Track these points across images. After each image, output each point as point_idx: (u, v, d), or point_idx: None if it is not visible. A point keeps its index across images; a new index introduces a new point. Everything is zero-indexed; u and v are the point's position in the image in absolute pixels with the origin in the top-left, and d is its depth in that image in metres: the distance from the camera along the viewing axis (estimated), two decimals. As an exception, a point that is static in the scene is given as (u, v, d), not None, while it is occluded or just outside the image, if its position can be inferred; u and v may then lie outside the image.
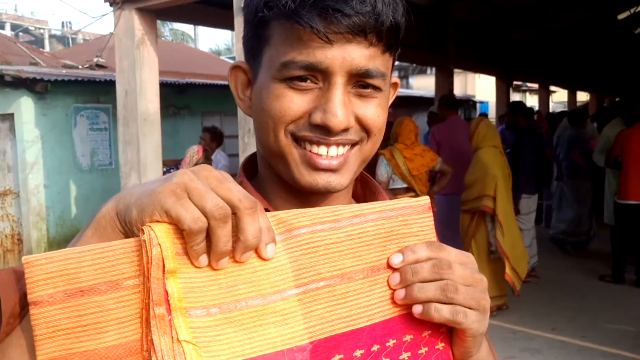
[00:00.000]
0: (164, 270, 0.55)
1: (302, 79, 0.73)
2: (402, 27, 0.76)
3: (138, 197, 0.57)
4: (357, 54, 0.72)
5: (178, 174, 0.58)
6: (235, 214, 0.57)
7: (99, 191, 8.51)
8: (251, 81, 0.81)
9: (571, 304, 5.86)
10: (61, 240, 8.20)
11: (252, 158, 0.90)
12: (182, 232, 0.55)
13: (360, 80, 0.74)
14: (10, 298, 0.57)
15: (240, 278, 0.59)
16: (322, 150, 0.75)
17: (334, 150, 0.75)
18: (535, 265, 6.61)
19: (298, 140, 0.76)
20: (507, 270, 5.25)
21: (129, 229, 0.58)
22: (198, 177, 0.57)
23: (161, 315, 0.54)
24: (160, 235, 0.55)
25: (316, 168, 0.75)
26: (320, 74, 0.72)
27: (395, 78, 0.86)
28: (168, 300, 0.55)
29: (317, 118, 0.73)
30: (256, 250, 0.59)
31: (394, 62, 0.81)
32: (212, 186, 0.57)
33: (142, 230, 0.55)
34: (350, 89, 0.75)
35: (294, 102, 0.73)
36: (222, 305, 0.57)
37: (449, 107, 6.62)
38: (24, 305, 0.57)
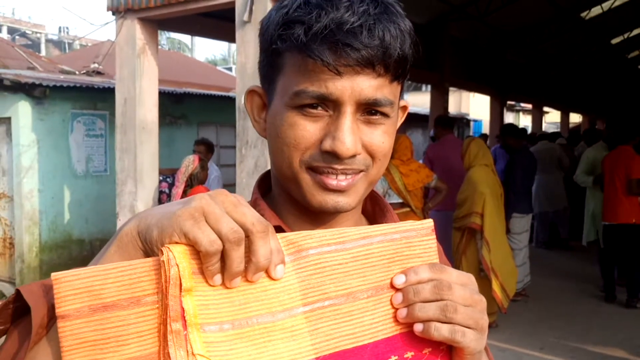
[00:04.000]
0: (180, 289, 0.59)
1: (313, 106, 0.77)
2: (409, 58, 0.79)
3: (159, 219, 0.61)
4: (366, 85, 0.75)
5: (197, 198, 0.62)
6: (248, 237, 0.61)
7: (93, 197, 8.50)
8: (266, 105, 0.85)
9: (560, 323, 5.90)
10: (53, 245, 8.18)
11: (266, 176, 0.95)
12: (198, 253, 0.60)
13: (368, 108, 0.78)
14: (40, 310, 0.61)
15: (251, 296, 0.63)
16: (331, 178, 0.79)
17: (341, 178, 0.79)
18: (527, 284, 6.65)
19: (310, 168, 0.80)
20: (495, 287, 5.27)
21: (149, 248, 0.62)
22: (215, 201, 0.61)
23: (177, 331, 0.58)
24: (177, 256, 0.59)
25: (326, 188, 0.79)
26: (330, 103, 0.76)
27: (404, 102, 0.90)
28: (184, 317, 0.59)
29: (327, 145, 0.77)
30: (266, 271, 0.63)
31: (402, 89, 0.85)
32: (228, 210, 0.61)
33: (162, 250, 0.59)
34: (359, 116, 0.78)
35: (306, 130, 0.78)
36: (234, 321, 0.61)
37: (444, 127, 6.73)
38: (51, 316, 0.61)
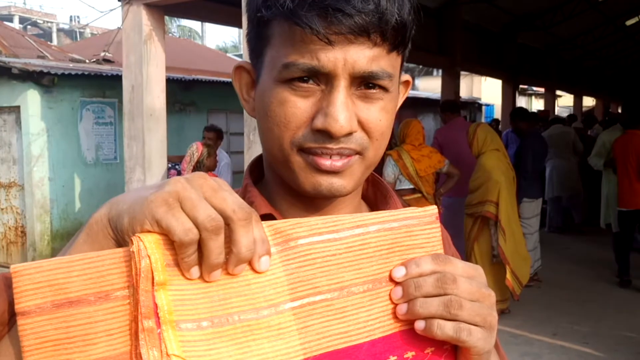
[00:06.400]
0: (153, 283, 0.53)
1: (304, 79, 0.70)
2: (409, 25, 0.72)
3: (130, 205, 0.55)
4: (360, 56, 0.69)
5: (172, 182, 0.56)
6: (228, 225, 0.55)
7: (103, 185, 8.51)
8: (255, 82, 0.79)
9: (573, 309, 5.84)
10: (64, 233, 8.20)
11: (258, 161, 0.88)
12: (173, 243, 0.54)
13: (364, 81, 0.71)
14: None
15: (233, 291, 0.57)
16: (325, 159, 0.73)
17: (336, 158, 0.73)
18: (538, 269, 6.59)
19: (302, 150, 0.73)
20: (508, 275, 5.23)
21: (120, 237, 0.56)
22: (192, 185, 0.55)
23: (150, 329, 0.53)
24: (149, 247, 0.53)
25: (319, 170, 0.73)
26: (322, 76, 0.70)
27: (406, 76, 0.83)
28: (157, 313, 0.53)
29: (319, 123, 0.70)
30: (250, 263, 0.57)
31: (403, 61, 0.77)
32: (206, 195, 0.55)
33: (132, 240, 0.53)
34: (355, 90, 0.71)
35: (297, 108, 0.71)
36: (213, 318, 0.56)
37: (452, 111, 6.70)
38: (12, 313, 0.55)
